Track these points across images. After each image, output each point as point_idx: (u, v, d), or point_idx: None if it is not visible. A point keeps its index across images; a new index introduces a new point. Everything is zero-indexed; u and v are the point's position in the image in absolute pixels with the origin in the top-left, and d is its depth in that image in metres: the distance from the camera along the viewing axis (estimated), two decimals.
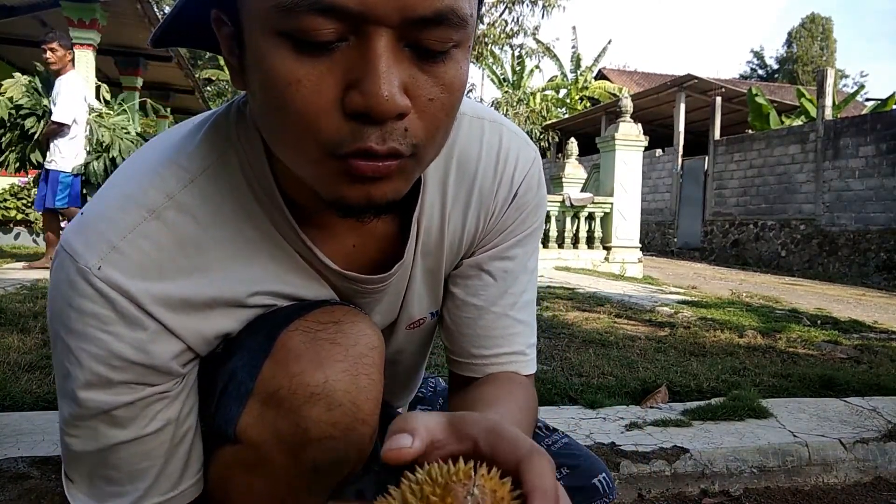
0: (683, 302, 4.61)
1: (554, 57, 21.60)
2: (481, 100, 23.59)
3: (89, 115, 4.84)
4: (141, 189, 0.54)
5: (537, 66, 23.03)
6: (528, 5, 17.92)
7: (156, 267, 0.53)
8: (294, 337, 0.57)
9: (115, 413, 0.53)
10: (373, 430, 0.59)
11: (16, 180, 7.83)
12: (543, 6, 17.73)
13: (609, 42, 23.23)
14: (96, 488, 0.57)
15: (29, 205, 7.66)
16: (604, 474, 0.80)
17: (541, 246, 9.16)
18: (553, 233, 8.83)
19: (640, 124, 8.90)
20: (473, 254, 0.71)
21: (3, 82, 4.97)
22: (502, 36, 18.03)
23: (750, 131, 13.87)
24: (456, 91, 0.47)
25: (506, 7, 18.00)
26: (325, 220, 0.60)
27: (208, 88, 18.31)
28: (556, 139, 19.70)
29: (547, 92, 22.66)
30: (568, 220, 8.81)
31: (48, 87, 4.72)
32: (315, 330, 0.58)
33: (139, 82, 11.12)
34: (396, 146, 0.45)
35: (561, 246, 8.80)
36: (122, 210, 0.53)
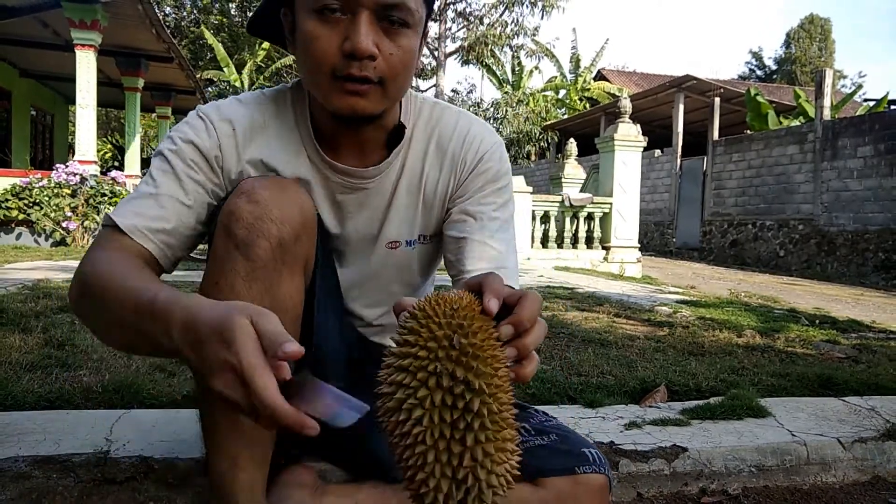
0: (682, 302, 4.61)
1: (553, 57, 21.60)
2: (481, 100, 23.55)
3: None
4: (242, 96, 0.98)
5: (537, 67, 23.04)
6: (527, 6, 17.92)
7: (229, 119, 0.93)
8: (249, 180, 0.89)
9: (170, 170, 0.89)
10: (280, 235, 0.82)
11: (17, 180, 7.81)
12: (543, 7, 17.73)
13: (606, 41, 23.16)
14: (125, 215, 0.86)
15: (30, 205, 7.65)
16: (593, 449, 0.92)
17: (540, 246, 9.04)
18: (552, 233, 8.82)
19: (638, 125, 8.92)
20: (456, 203, 0.99)
21: None
22: (502, 37, 18.02)
23: (748, 132, 13.88)
24: (407, 52, 0.83)
25: (505, 8, 17.99)
26: (336, 142, 0.95)
27: (209, 89, 18.25)
28: (556, 139, 19.69)
29: (546, 92, 22.65)
30: (567, 220, 8.82)
31: None
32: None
33: (140, 83, 11.11)
34: (368, 74, 0.81)
35: (560, 246, 8.80)
36: (229, 99, 0.97)
